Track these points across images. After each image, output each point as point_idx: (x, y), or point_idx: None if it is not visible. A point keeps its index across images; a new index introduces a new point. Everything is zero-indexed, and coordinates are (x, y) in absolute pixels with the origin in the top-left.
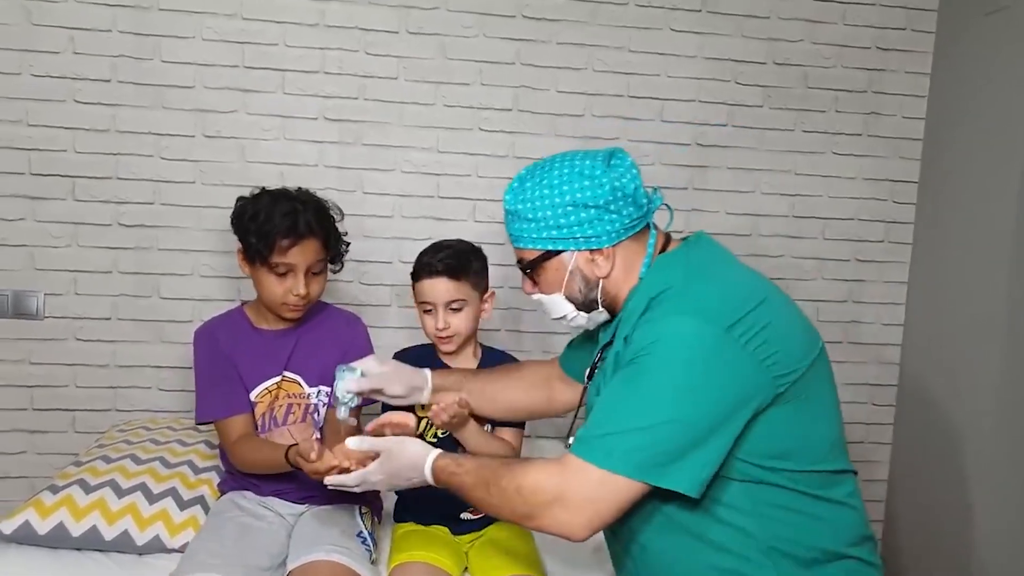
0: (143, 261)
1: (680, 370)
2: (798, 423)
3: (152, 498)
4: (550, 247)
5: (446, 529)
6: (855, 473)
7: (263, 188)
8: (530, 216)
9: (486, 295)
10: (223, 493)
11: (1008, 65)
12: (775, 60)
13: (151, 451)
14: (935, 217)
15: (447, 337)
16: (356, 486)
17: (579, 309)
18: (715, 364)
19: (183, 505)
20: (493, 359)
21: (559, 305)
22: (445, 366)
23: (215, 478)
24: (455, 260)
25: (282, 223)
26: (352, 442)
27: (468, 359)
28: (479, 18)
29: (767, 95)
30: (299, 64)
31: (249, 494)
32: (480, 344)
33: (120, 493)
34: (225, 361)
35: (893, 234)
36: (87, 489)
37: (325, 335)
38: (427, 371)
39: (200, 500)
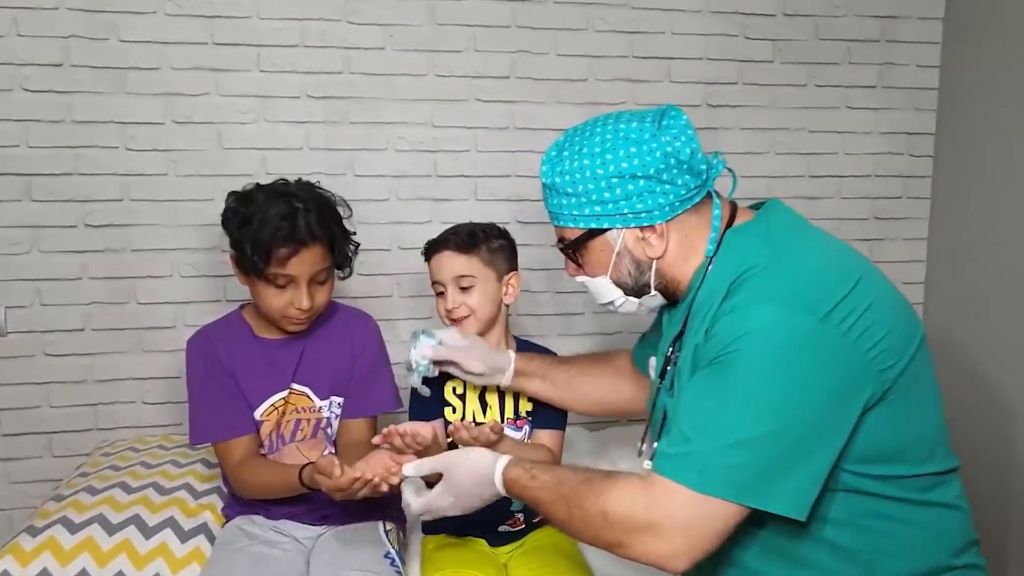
0: (115, 264)
1: (777, 371)
2: (905, 421)
3: (148, 531)
4: (593, 225)
5: (483, 541)
6: (959, 468)
7: (256, 184)
8: (570, 190)
9: (508, 276)
10: (229, 519)
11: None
12: (784, 11)
13: (142, 476)
14: (953, 169)
15: (458, 319)
16: (422, 514)
17: (628, 294)
18: (815, 362)
19: (184, 537)
20: (529, 348)
21: (606, 289)
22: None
23: (218, 502)
24: (466, 234)
25: (279, 230)
26: (409, 469)
27: (495, 347)
28: None
29: (777, 49)
30: (276, 38)
31: (259, 518)
32: (513, 336)
33: (111, 529)
34: (224, 375)
35: (911, 189)
36: (72, 528)
37: (334, 339)
38: (512, 352)
39: (203, 529)
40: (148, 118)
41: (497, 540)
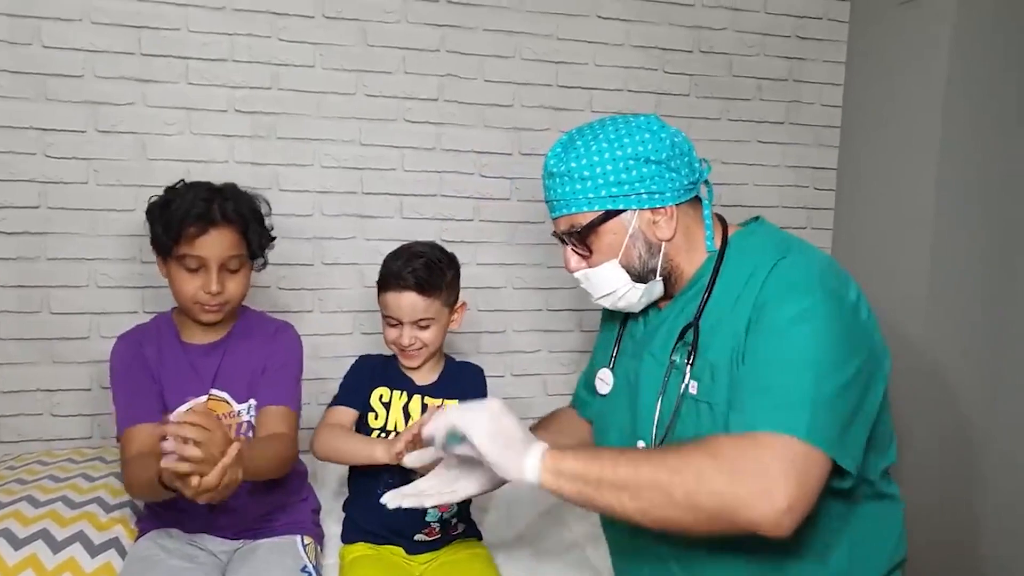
0: (28, 273)
1: (834, 337)
2: (885, 411)
3: (56, 546)
4: (610, 207)
5: (400, 550)
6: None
7: (182, 180)
8: (586, 174)
9: (457, 305)
10: (143, 533)
11: (919, 54)
12: (701, 48)
13: (50, 490)
14: (853, 203)
15: (413, 352)
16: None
17: (634, 280)
18: (859, 333)
19: (94, 551)
20: (457, 371)
21: (611, 276)
22: (405, 377)
23: (131, 516)
24: (427, 272)
25: (193, 208)
26: (411, 460)
27: (430, 370)
28: (401, 2)
29: (694, 83)
30: (204, 52)
31: (175, 531)
32: (444, 353)
33: (16, 544)
34: (143, 369)
35: (815, 220)
36: None
37: (253, 345)
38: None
39: (114, 543)
40: (69, 125)
41: (414, 548)
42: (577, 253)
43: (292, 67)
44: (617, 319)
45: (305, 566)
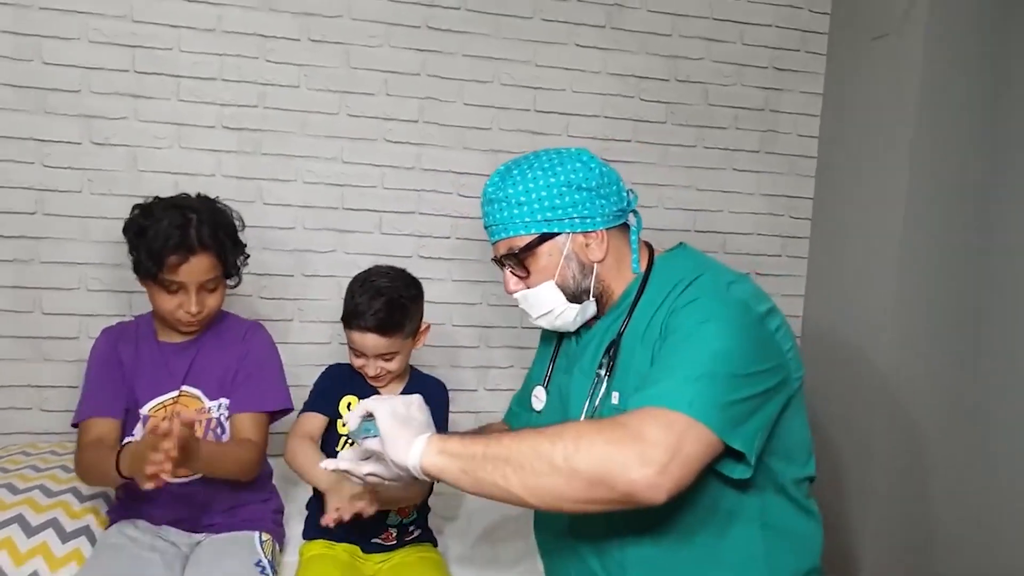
0: (23, 274)
1: (735, 337)
2: (799, 426)
3: (30, 531)
4: (545, 230)
5: (356, 548)
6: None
7: (157, 197)
8: (523, 199)
9: (420, 330)
10: (113, 522)
11: (892, 87)
12: (677, 77)
13: (30, 479)
14: (828, 232)
15: (380, 378)
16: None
17: (569, 300)
18: (760, 338)
19: (65, 537)
20: (421, 383)
21: (547, 296)
22: (372, 387)
23: (103, 506)
24: (387, 314)
25: (171, 238)
26: (344, 457)
27: (395, 383)
28: (384, 28)
29: (670, 111)
30: (195, 70)
31: (142, 523)
32: (410, 365)
33: None
34: (116, 366)
35: (790, 248)
36: None
37: (225, 343)
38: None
39: (85, 531)
40: (66, 137)
41: (369, 548)
42: (515, 275)
43: (278, 87)
44: (552, 339)
45: (259, 560)
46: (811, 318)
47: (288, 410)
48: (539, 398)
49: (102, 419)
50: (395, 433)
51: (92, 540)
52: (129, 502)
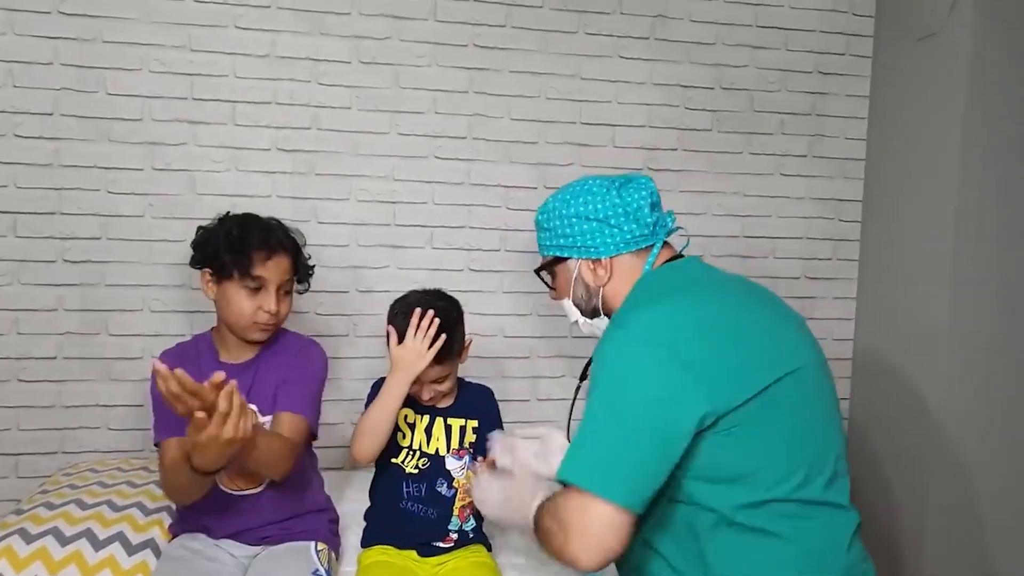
0: (90, 298)
1: (615, 379)
2: (748, 450)
3: (98, 544)
4: (557, 254)
5: (413, 552)
6: (834, 506)
7: (228, 212)
8: (546, 226)
9: (465, 345)
10: (175, 536)
11: (939, 87)
12: (722, 85)
13: (98, 495)
14: (879, 234)
15: (432, 400)
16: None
17: (583, 315)
18: (644, 374)
19: (132, 550)
20: (471, 394)
21: (570, 309)
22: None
23: (166, 519)
24: (445, 348)
25: (257, 236)
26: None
27: (447, 398)
28: (432, 48)
29: (716, 119)
30: (250, 95)
31: (202, 536)
32: (457, 377)
33: (63, 541)
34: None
35: (841, 251)
36: (28, 539)
37: (282, 360)
38: None
39: (150, 544)
40: (128, 164)
41: (427, 551)
42: (548, 286)
43: (330, 109)
44: None
45: (316, 569)
46: (863, 323)
47: (312, 433)
48: None
49: (180, 439)
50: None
51: (157, 552)
52: (191, 516)
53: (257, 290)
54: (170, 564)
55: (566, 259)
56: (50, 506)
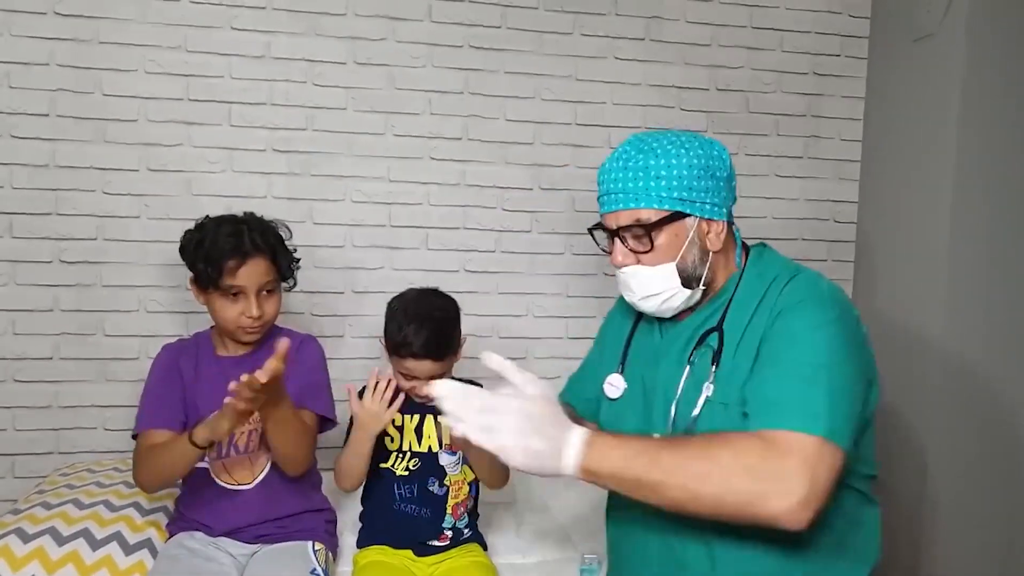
0: (86, 298)
1: (841, 340)
2: (872, 425)
3: (96, 544)
4: (679, 208)
5: (409, 552)
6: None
7: (207, 216)
8: (664, 173)
9: (462, 342)
10: (172, 535)
11: (935, 88)
12: (717, 86)
13: (95, 495)
14: (874, 235)
15: (428, 398)
16: (459, 422)
17: (683, 285)
18: (865, 344)
19: (129, 550)
20: None
21: (664, 277)
22: (419, 403)
23: (163, 519)
24: (438, 339)
25: (227, 244)
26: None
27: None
28: (427, 48)
29: (711, 120)
30: (245, 96)
31: (199, 534)
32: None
33: (61, 541)
34: (176, 379)
35: (836, 253)
36: (25, 538)
37: None
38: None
39: (147, 543)
40: (124, 165)
41: (423, 551)
42: (630, 249)
43: (326, 110)
44: (627, 326)
45: (314, 568)
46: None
47: (331, 422)
48: (615, 385)
49: (160, 431)
50: (527, 447)
51: (154, 552)
52: (188, 515)
53: (237, 296)
54: (167, 563)
55: (685, 216)
56: (47, 506)
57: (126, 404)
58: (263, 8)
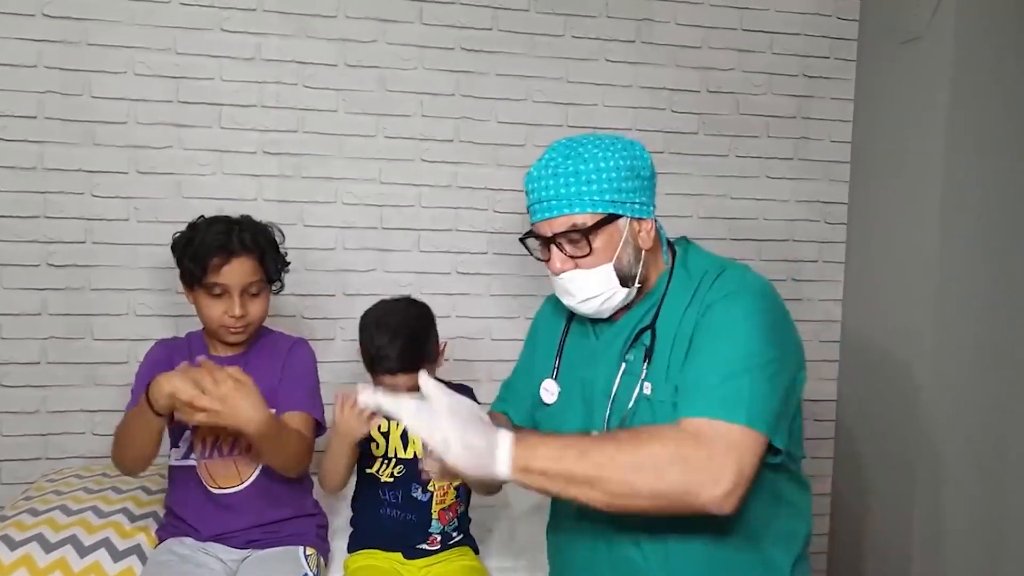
0: (74, 302)
1: (766, 326)
2: (800, 411)
3: (83, 551)
4: (611, 210)
5: (399, 555)
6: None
7: (202, 216)
8: (594, 177)
9: (440, 350)
10: (161, 540)
11: (923, 90)
12: (708, 88)
13: (83, 501)
14: (865, 236)
15: None
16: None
17: (620, 284)
18: (788, 324)
19: (118, 556)
20: None
21: (603, 278)
22: None
23: (153, 526)
24: (411, 351)
25: (214, 242)
26: (366, 396)
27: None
28: (418, 51)
29: (702, 122)
30: (236, 98)
31: (189, 540)
32: (437, 378)
33: (48, 548)
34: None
35: (826, 254)
36: (11, 545)
37: (270, 358)
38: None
39: (136, 550)
40: (113, 167)
41: (412, 554)
42: (568, 255)
43: (317, 112)
44: (558, 328)
45: (306, 573)
46: (849, 324)
47: (321, 426)
48: (550, 391)
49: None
50: (465, 441)
51: (143, 558)
52: (177, 520)
53: (221, 295)
54: (156, 569)
55: (618, 217)
56: (34, 512)
57: (115, 408)
58: (253, 10)
